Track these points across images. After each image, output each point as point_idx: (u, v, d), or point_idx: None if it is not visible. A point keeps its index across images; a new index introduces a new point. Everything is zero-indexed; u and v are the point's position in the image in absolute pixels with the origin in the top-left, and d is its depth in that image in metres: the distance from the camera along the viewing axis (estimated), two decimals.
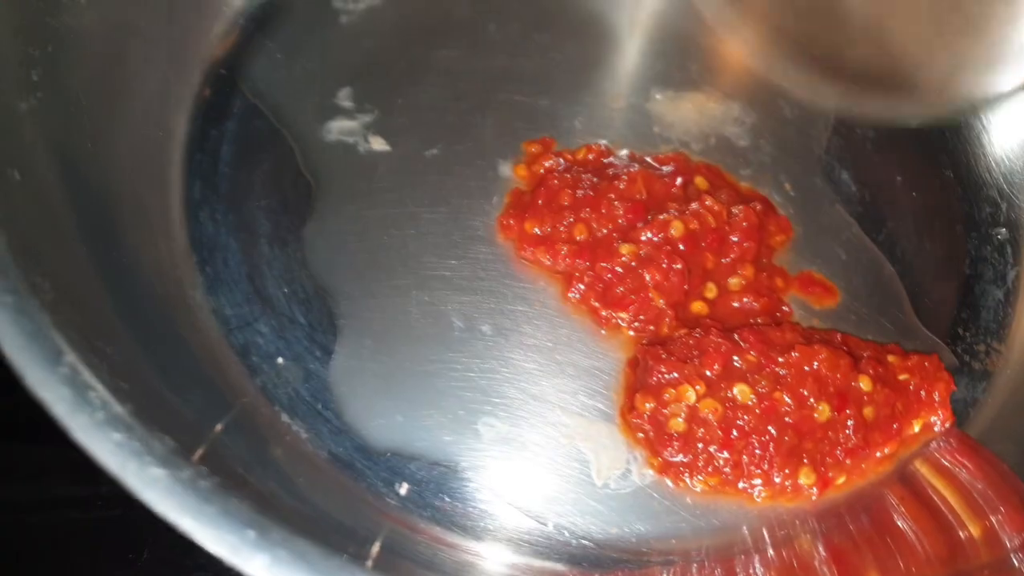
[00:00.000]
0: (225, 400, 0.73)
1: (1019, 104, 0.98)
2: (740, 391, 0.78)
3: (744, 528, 0.78)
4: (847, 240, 0.94)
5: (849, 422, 0.80)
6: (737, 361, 0.79)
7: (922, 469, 0.83)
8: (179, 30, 0.92)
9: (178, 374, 0.69)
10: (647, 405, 0.79)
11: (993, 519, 0.78)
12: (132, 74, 0.84)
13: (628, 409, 0.80)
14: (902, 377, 0.83)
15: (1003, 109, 0.99)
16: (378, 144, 0.94)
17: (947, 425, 0.83)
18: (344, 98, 0.96)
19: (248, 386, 0.77)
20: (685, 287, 0.85)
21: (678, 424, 0.78)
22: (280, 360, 0.79)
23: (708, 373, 0.79)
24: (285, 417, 0.77)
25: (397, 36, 1.02)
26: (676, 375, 0.79)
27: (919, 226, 0.96)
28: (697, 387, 0.78)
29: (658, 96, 1.01)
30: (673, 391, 0.78)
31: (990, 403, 0.88)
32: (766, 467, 0.78)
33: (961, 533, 0.78)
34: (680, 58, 1.04)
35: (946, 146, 1.01)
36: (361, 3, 1.03)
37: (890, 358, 0.84)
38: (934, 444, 0.83)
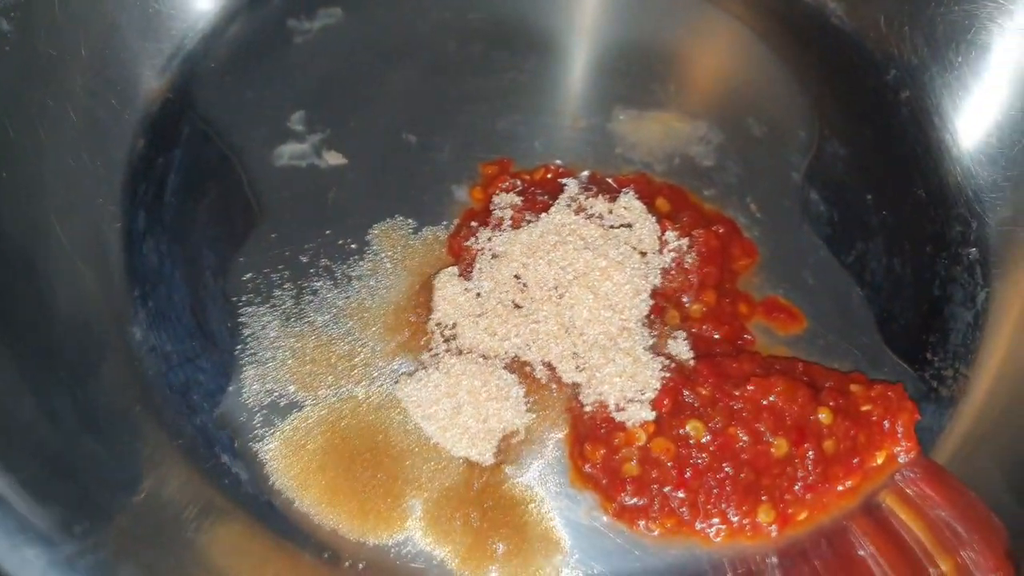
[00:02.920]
0: (156, 447, 0.71)
1: (989, 120, 0.95)
2: (693, 428, 0.75)
3: (705, 567, 0.75)
4: (815, 263, 0.92)
5: (809, 455, 0.77)
6: (689, 396, 0.77)
7: (888, 501, 0.80)
8: (123, 55, 0.89)
9: (103, 422, 0.66)
10: (599, 452, 0.76)
11: (965, 555, 0.75)
12: (69, 104, 0.82)
13: (579, 458, 0.78)
14: (865, 408, 0.80)
15: (973, 125, 0.96)
16: (333, 159, 0.92)
17: (911, 455, 0.80)
18: (296, 122, 0.94)
19: (185, 427, 0.75)
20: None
21: (632, 468, 0.75)
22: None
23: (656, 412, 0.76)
24: (225, 458, 0.75)
25: (353, 56, 1.00)
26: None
27: (889, 247, 0.93)
28: (646, 428, 0.75)
29: (621, 116, 0.99)
30: (622, 434, 0.76)
31: (957, 430, 0.85)
32: (723, 506, 0.75)
33: (932, 571, 0.76)
34: (644, 77, 1.02)
35: (918, 164, 0.98)
36: (316, 22, 1.01)
37: (853, 387, 0.81)
38: (899, 475, 0.80)
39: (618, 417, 0.77)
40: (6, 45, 0.74)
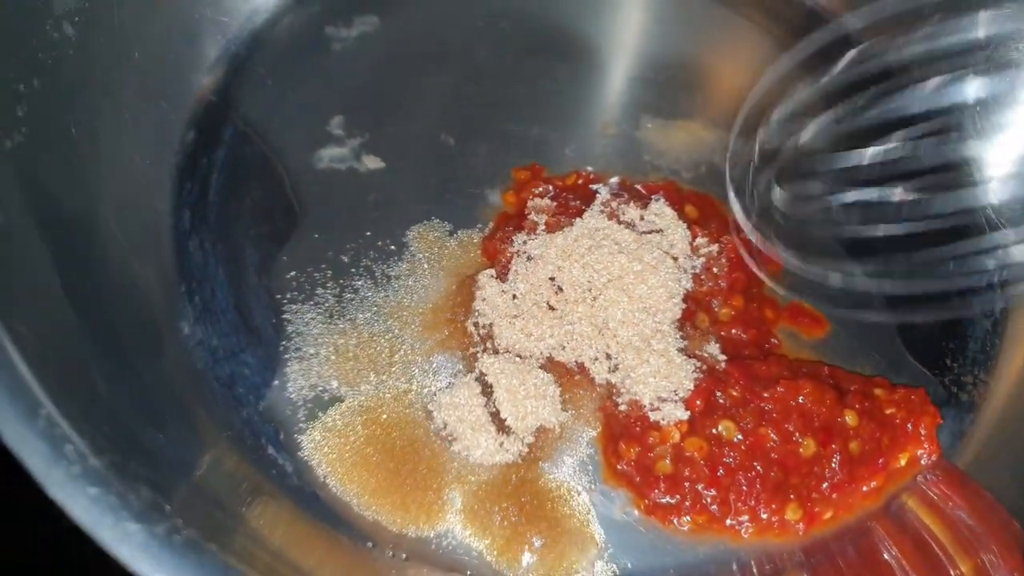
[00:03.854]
0: (209, 435, 0.73)
1: (1010, 135, 0.98)
2: (725, 427, 0.78)
3: (733, 564, 0.78)
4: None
5: (835, 456, 0.79)
6: (720, 397, 0.79)
7: (910, 503, 0.83)
8: (172, 59, 0.92)
9: (161, 411, 0.69)
10: (633, 450, 0.79)
11: (984, 557, 0.78)
12: (123, 105, 0.85)
13: (613, 456, 0.80)
14: (889, 411, 0.83)
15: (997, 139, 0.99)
16: (372, 163, 0.94)
17: (933, 458, 0.83)
18: (336, 126, 0.96)
19: (233, 419, 0.77)
20: None
21: (665, 466, 0.78)
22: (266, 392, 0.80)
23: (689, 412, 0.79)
24: (271, 450, 0.77)
25: (389, 63, 1.02)
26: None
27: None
28: (679, 427, 0.78)
29: (649, 124, 1.02)
30: (657, 433, 0.78)
31: (977, 435, 0.88)
32: (753, 503, 0.78)
33: (952, 572, 0.78)
34: (672, 87, 1.04)
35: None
36: (353, 30, 1.04)
37: (877, 391, 0.84)
38: (921, 477, 0.83)
39: (652, 416, 0.79)
40: (69, 48, 0.76)
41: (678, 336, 0.84)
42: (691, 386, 0.80)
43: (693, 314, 0.87)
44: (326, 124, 0.96)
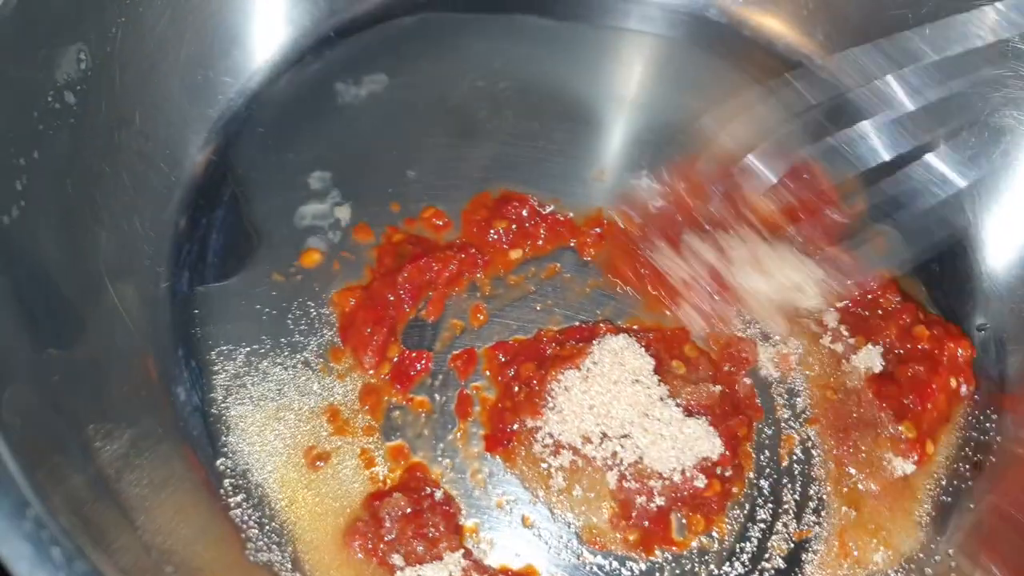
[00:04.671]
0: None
1: (1006, 204, 0.99)
2: None
3: None
4: None
5: None
6: None
7: None
8: (173, 120, 0.93)
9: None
10: None
11: None
12: (122, 169, 0.85)
13: None
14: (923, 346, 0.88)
15: (991, 206, 0.99)
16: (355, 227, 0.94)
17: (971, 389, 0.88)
18: (318, 181, 0.96)
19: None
20: None
21: None
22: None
23: None
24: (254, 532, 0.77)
25: (391, 122, 1.02)
26: None
27: None
28: None
29: (646, 183, 1.02)
30: None
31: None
32: None
33: None
34: (671, 148, 1.04)
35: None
36: (363, 88, 1.04)
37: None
38: None
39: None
40: (70, 117, 0.77)
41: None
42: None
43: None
44: (310, 181, 0.96)
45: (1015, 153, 0.98)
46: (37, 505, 0.48)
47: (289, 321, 0.87)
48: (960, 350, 0.88)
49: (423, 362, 0.86)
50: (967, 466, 0.86)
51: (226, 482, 0.78)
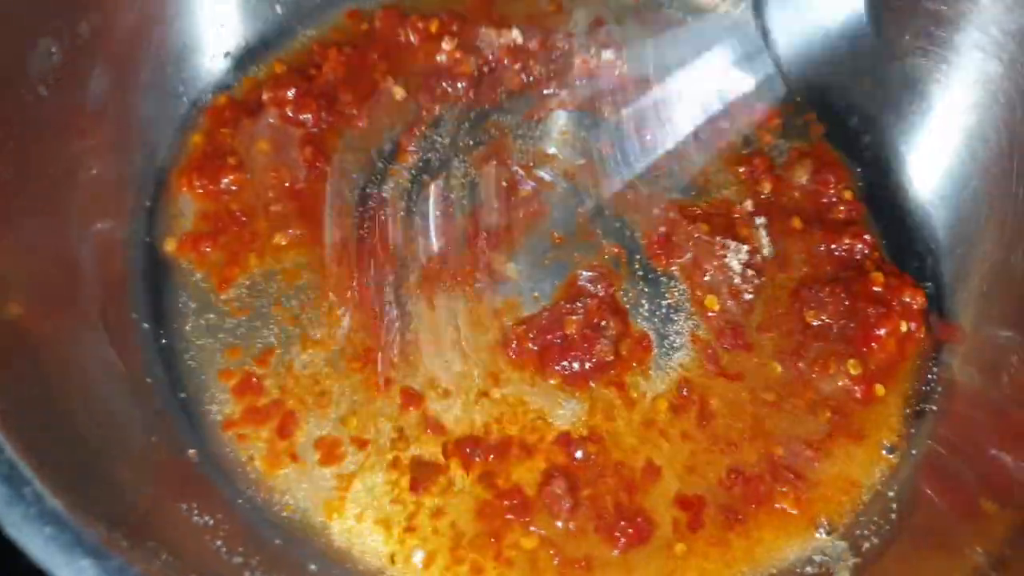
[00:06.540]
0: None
1: (941, 164, 1.02)
2: None
3: None
4: None
5: None
6: None
7: None
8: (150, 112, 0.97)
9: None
10: None
11: None
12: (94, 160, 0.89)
13: None
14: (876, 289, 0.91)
15: (928, 168, 1.03)
16: None
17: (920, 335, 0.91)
18: None
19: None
20: None
21: None
22: None
23: None
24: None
25: None
26: None
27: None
28: None
29: None
30: None
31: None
32: None
33: None
34: None
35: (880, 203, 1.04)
36: None
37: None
38: None
39: None
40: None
41: None
42: None
43: None
44: None
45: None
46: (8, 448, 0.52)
47: None
48: (912, 298, 0.92)
49: None
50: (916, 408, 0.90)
51: None
